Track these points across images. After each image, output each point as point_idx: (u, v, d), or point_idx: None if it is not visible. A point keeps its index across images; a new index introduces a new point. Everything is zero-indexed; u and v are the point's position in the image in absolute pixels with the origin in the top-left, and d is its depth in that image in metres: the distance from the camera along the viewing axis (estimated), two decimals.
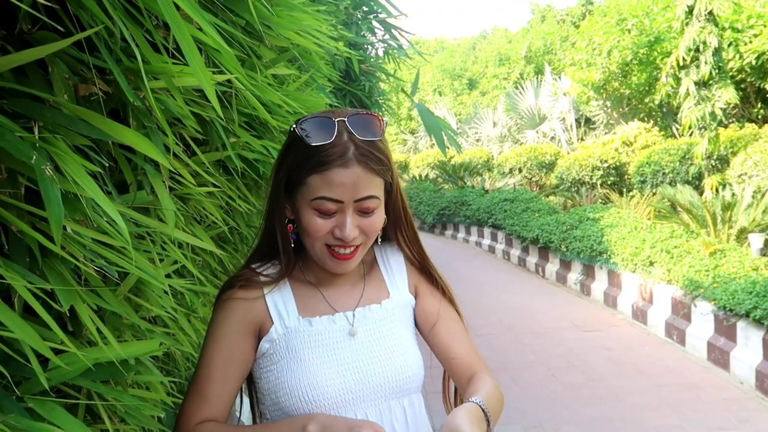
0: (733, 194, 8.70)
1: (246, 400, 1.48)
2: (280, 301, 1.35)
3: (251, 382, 1.42)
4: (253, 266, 1.39)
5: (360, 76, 4.03)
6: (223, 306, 1.35)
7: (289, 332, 1.32)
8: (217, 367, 1.31)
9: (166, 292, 1.42)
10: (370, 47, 3.99)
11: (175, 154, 1.48)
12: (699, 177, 10.88)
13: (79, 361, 1.02)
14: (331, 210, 1.22)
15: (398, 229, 1.41)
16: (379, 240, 1.39)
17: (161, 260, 1.53)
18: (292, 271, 1.37)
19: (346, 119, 1.22)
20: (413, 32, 3.34)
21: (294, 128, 1.24)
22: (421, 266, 1.46)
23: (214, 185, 1.71)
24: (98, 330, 1.08)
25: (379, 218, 1.29)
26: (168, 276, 1.52)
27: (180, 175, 1.46)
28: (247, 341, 1.33)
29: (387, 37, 3.49)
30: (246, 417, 1.53)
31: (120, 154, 1.07)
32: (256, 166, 1.92)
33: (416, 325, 1.45)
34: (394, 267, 1.45)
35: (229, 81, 1.56)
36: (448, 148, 2.78)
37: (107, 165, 1.04)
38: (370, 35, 3.62)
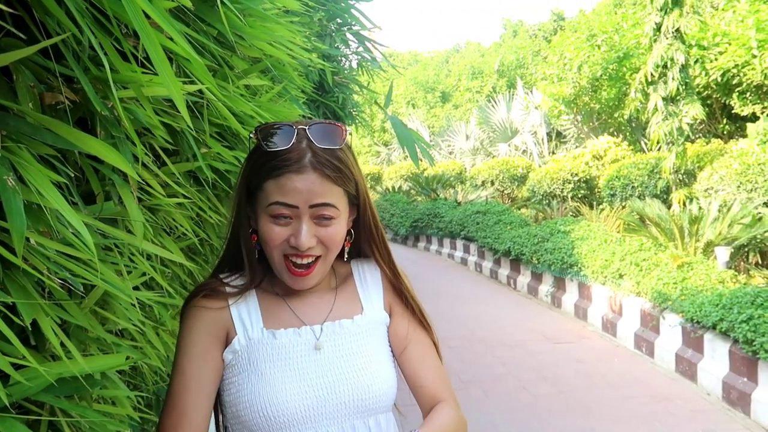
0: (700, 208, 8.85)
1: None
2: (245, 312, 1.32)
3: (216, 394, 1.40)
4: (221, 276, 1.37)
5: (333, 87, 4.02)
6: (188, 314, 1.33)
7: (251, 344, 1.29)
8: (191, 378, 1.27)
9: (133, 305, 1.39)
10: (343, 59, 3.99)
11: (144, 165, 1.45)
12: (667, 191, 11.05)
13: (41, 376, 0.99)
14: (285, 215, 1.21)
15: (371, 245, 1.39)
16: (345, 255, 1.38)
17: (129, 272, 1.50)
18: (260, 282, 1.36)
19: (307, 127, 1.22)
20: (387, 45, 3.35)
21: (252, 135, 1.25)
22: (395, 286, 1.43)
23: (185, 196, 1.69)
24: (62, 344, 1.05)
25: (338, 230, 1.27)
26: (136, 288, 1.49)
27: (149, 186, 1.44)
28: (217, 349, 1.31)
29: (361, 49, 3.49)
30: (212, 430, 1.50)
31: (87, 164, 1.05)
32: (227, 177, 1.90)
33: (390, 345, 1.42)
34: (371, 283, 1.42)
35: (200, 91, 1.54)
36: (421, 160, 2.78)
37: (73, 175, 1.01)
38: (343, 47, 3.62)
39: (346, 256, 1.37)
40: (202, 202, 1.79)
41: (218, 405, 1.40)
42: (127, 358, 1.27)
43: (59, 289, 1.03)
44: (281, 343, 1.28)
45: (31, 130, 0.78)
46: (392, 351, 1.40)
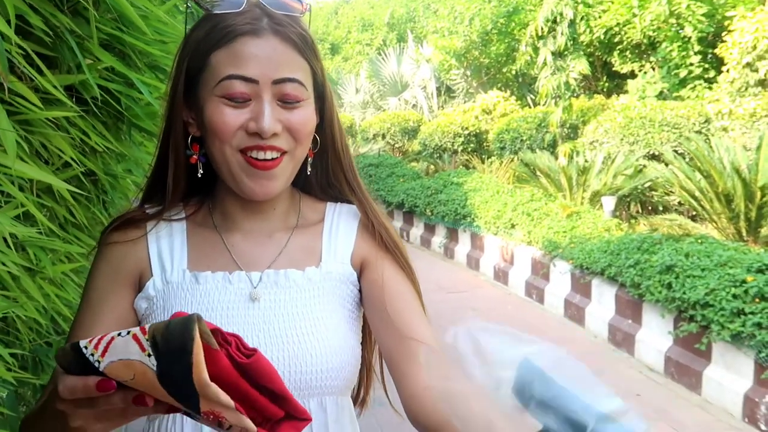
0: (586, 160, 9.17)
1: None
2: (167, 248, 1.04)
3: None
4: (146, 207, 1.08)
5: None
6: (98, 252, 1.05)
7: (169, 288, 1.01)
8: (80, 328, 1.00)
9: (6, 242, 1.13)
10: None
11: (12, 70, 1.17)
12: (553, 144, 11.39)
13: None
14: (243, 94, 0.93)
15: (340, 165, 1.10)
16: (309, 168, 1.08)
17: None
18: (196, 210, 1.09)
19: None
20: None
21: (189, 2, 0.97)
22: (373, 235, 1.10)
23: (67, 119, 1.41)
24: None
25: (307, 115, 0.99)
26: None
27: (21, 97, 1.16)
28: (122, 296, 1.02)
29: None
30: None
31: None
32: (119, 99, 1.62)
33: (363, 305, 1.10)
34: (342, 232, 1.11)
35: None
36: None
37: None
38: None
39: (309, 168, 1.08)
40: (86, 125, 1.51)
41: None
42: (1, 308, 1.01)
43: None
44: (205, 290, 1.00)
45: None
46: (368, 307, 1.08)
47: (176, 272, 1.03)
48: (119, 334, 0.62)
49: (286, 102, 0.95)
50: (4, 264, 1.17)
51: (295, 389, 0.97)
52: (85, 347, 0.63)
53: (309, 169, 1.08)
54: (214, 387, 0.59)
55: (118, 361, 0.61)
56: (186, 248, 1.05)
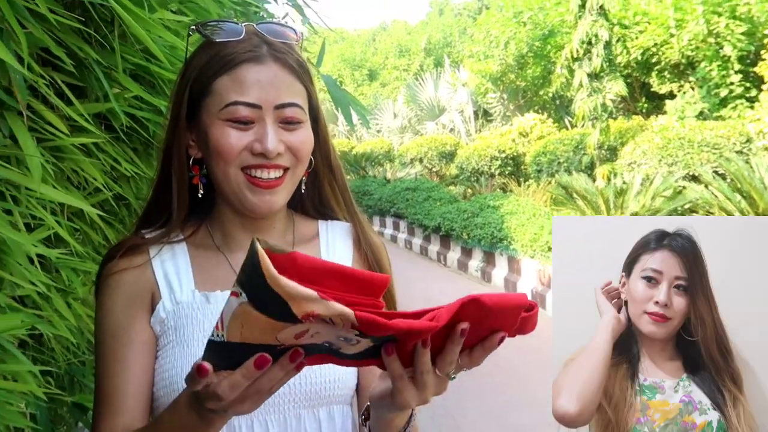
0: (624, 182, 9.05)
1: None
2: (172, 269, 1.07)
3: None
4: (143, 232, 1.10)
5: None
6: (105, 284, 1.06)
7: (180, 309, 1.04)
8: (117, 362, 1.01)
9: (32, 261, 1.19)
10: (270, 18, 3.78)
11: (44, 100, 1.24)
12: (591, 166, 11.28)
13: None
14: (246, 118, 0.97)
15: (331, 183, 1.15)
16: (303, 186, 1.11)
17: (29, 228, 1.29)
18: (193, 232, 1.10)
19: (255, 24, 1.01)
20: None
21: (192, 30, 1.01)
22: (367, 256, 1.15)
23: (97, 147, 1.48)
24: None
25: (307, 135, 1.03)
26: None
27: (51, 125, 1.23)
28: (144, 319, 1.05)
29: (289, 3, 3.30)
30: None
31: None
32: (146, 126, 1.69)
33: None
34: (339, 249, 1.15)
35: (110, 17, 1.33)
36: (356, 124, 2.60)
37: None
38: (271, 1, 3.42)
39: (303, 187, 1.11)
40: (116, 152, 1.58)
41: None
42: (25, 324, 1.06)
43: None
44: (216, 309, 1.03)
45: None
46: None
47: (185, 293, 1.05)
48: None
49: (287, 124, 1.00)
50: (33, 283, 1.23)
51: (305, 399, 1.01)
52: (215, 335, 0.68)
53: (303, 188, 1.11)
54: (285, 279, 0.61)
55: (230, 322, 0.66)
56: (191, 269, 1.08)
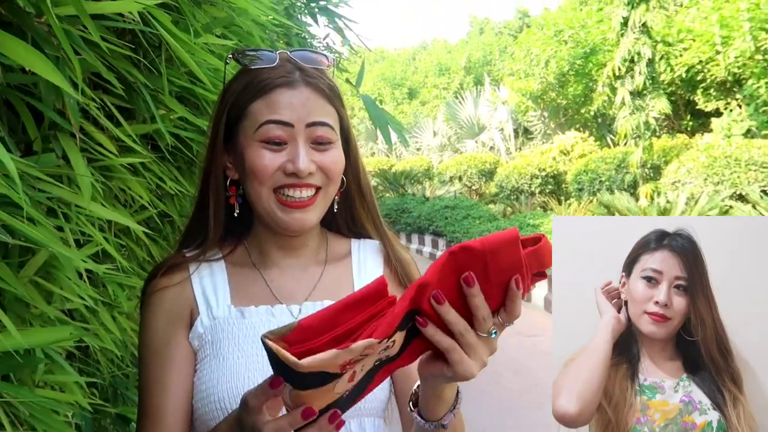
0: (668, 201, 8.90)
1: None
2: (210, 286, 1.11)
3: None
4: (185, 251, 1.15)
5: None
6: (148, 302, 1.11)
7: (216, 324, 1.08)
8: (157, 382, 1.06)
9: (81, 277, 1.24)
10: (311, 40, 3.85)
11: (94, 120, 1.30)
12: (634, 185, 11.12)
13: None
14: (279, 137, 1.02)
15: (362, 203, 1.19)
16: (335, 206, 1.15)
17: (79, 244, 1.35)
18: (232, 251, 1.15)
19: (289, 52, 1.07)
20: (358, 21, 3.21)
21: (229, 58, 1.07)
22: (398, 273, 1.18)
23: (144, 166, 1.54)
24: None
25: (338, 156, 1.08)
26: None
27: (100, 145, 1.28)
28: (183, 335, 1.09)
29: (330, 26, 3.36)
30: None
31: (18, 100, 0.90)
32: (190, 146, 1.74)
33: None
34: (370, 266, 1.19)
35: (158, 42, 1.39)
36: (394, 143, 2.63)
37: (2, 114, 0.86)
38: (313, 23, 3.49)
39: (335, 207, 1.16)
40: (161, 170, 1.63)
41: None
42: (72, 335, 1.11)
43: None
44: (251, 324, 1.07)
45: None
46: None
47: (222, 308, 1.09)
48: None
49: (318, 144, 1.05)
50: (82, 298, 1.27)
51: None
52: None
53: (335, 207, 1.16)
54: (307, 360, 0.65)
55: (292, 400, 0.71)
56: (228, 285, 1.12)
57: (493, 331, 0.78)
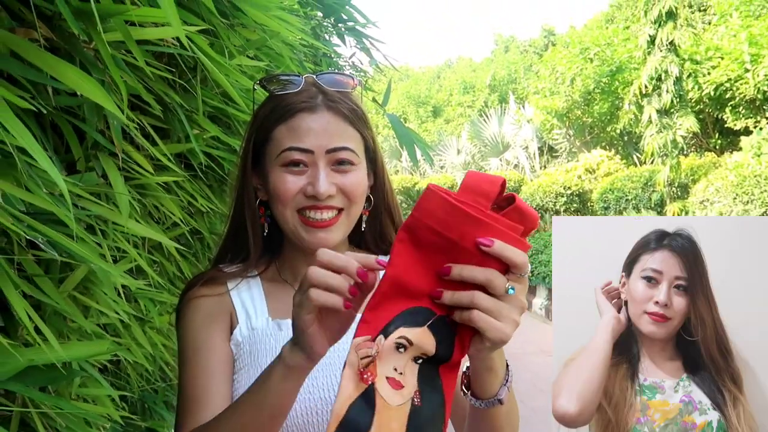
0: None
1: None
2: (248, 299, 1.16)
3: None
4: (221, 266, 1.20)
5: None
6: (187, 307, 1.15)
7: (255, 335, 1.12)
8: (200, 369, 1.09)
9: (118, 293, 1.27)
10: (338, 59, 3.90)
11: (132, 140, 1.34)
12: (661, 204, 11.02)
13: (11, 360, 0.87)
14: (300, 161, 1.07)
15: (392, 221, 1.22)
16: (363, 224, 1.19)
17: (114, 259, 1.38)
18: (266, 268, 1.19)
19: (315, 75, 1.10)
20: (384, 41, 3.24)
21: (257, 85, 1.12)
22: None
23: (177, 184, 1.58)
24: (36, 329, 0.94)
25: (360, 177, 1.11)
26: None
27: (137, 164, 1.32)
28: (222, 338, 1.13)
29: (357, 46, 3.40)
30: None
31: (64, 121, 0.93)
32: (222, 165, 1.78)
33: None
34: None
35: (193, 64, 1.43)
36: (419, 161, 2.65)
37: (49, 136, 0.90)
38: (340, 44, 3.53)
39: (364, 225, 1.20)
40: (193, 188, 1.67)
41: None
42: (110, 350, 1.14)
43: (33, 264, 0.92)
44: (287, 336, 1.03)
45: None
46: None
47: (260, 320, 1.13)
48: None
49: (339, 165, 1.08)
50: (117, 313, 1.31)
51: None
52: None
53: (364, 225, 1.19)
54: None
55: None
56: (265, 299, 1.16)
57: (509, 288, 0.76)
